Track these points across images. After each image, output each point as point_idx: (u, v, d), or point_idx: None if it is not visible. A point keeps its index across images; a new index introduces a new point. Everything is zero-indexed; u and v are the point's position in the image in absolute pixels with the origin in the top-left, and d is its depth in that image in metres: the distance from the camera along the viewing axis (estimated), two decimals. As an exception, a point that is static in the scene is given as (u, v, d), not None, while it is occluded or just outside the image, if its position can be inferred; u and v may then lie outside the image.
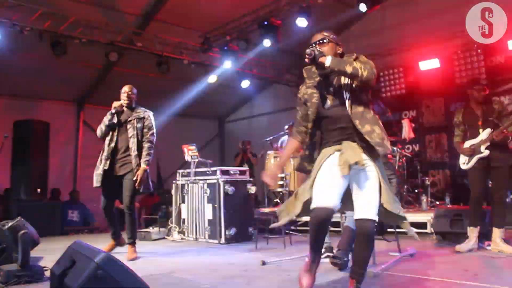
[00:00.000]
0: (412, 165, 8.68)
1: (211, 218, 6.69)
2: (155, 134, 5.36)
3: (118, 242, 5.50)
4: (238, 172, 7.09)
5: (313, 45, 3.03)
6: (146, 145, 5.22)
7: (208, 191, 6.79)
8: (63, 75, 9.66)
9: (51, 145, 9.14)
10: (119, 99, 5.38)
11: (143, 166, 5.13)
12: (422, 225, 6.50)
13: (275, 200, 8.05)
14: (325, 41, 3.06)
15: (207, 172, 6.96)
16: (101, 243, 5.40)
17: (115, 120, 5.28)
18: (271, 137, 8.83)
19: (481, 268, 4.25)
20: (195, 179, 7.09)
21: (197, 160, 7.16)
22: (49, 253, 4.96)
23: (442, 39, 9.08)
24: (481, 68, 8.83)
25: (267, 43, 8.26)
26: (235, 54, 9.47)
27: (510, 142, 4.93)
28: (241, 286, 3.62)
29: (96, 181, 5.23)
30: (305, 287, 2.89)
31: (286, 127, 8.61)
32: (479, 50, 8.83)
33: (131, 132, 5.24)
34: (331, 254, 4.30)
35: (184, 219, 7.22)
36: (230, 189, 6.62)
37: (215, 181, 6.73)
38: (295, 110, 3.24)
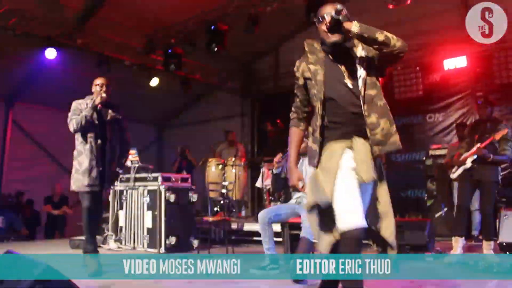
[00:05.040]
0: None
1: (150, 226, 6.41)
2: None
3: None
4: (180, 179, 6.88)
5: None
6: None
7: (148, 198, 6.51)
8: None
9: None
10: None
11: None
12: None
13: (215, 209, 7.90)
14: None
15: (148, 178, 6.68)
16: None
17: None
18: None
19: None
20: (135, 185, 6.79)
21: (137, 165, 6.86)
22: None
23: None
24: (419, 85, 9.14)
25: (213, 48, 8.08)
26: (179, 57, 9.21)
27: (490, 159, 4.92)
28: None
29: None
30: None
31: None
32: (417, 68, 9.15)
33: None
34: None
35: (121, 227, 6.86)
36: (171, 196, 6.39)
37: (156, 187, 6.46)
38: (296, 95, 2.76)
